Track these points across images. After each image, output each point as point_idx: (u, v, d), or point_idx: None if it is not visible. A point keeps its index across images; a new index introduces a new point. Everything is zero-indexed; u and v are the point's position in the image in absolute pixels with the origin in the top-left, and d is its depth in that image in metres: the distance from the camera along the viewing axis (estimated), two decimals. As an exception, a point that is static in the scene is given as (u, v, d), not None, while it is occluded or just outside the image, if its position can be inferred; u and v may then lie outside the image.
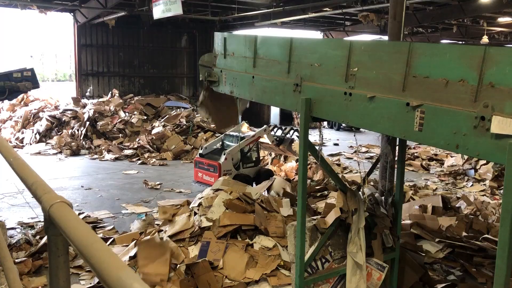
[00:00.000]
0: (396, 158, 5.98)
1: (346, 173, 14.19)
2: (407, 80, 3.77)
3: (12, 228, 9.19)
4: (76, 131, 19.62)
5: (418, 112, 3.63)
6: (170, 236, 7.24)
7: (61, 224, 1.00)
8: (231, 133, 12.99)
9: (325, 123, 22.65)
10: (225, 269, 6.49)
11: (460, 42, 25.19)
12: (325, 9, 19.37)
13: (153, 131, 19.32)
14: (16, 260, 7.25)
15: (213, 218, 7.14)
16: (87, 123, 19.63)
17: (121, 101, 21.67)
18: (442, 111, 3.45)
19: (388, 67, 3.98)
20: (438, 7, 19.04)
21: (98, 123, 19.83)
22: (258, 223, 6.92)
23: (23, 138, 19.88)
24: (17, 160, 1.57)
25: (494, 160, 3.41)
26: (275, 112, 30.19)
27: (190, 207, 7.92)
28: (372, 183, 10.40)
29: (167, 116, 20.91)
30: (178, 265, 6.63)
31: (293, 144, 12.65)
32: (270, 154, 16.67)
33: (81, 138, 19.12)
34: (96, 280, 6.97)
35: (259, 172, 12.61)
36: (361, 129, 21.68)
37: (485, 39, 21.72)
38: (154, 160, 17.04)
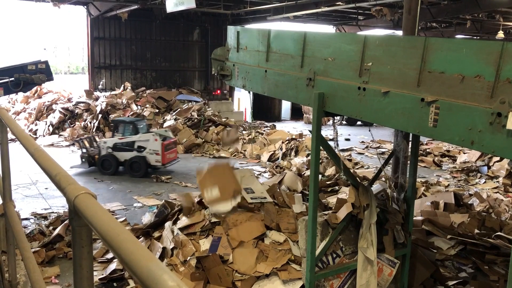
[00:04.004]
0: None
1: (357, 169, 14.13)
2: (422, 75, 3.74)
3: (26, 219, 9.33)
4: (88, 123, 19.79)
5: (433, 107, 3.60)
6: (181, 229, 7.28)
7: (86, 215, 1.01)
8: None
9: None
10: (235, 263, 6.50)
11: (475, 38, 24.84)
12: (338, 3, 19.22)
13: (165, 125, 19.41)
14: (30, 250, 7.35)
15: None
16: (100, 115, 19.80)
17: (133, 94, 21.79)
18: (458, 107, 3.42)
19: (402, 62, 3.96)
20: (453, 1, 18.78)
21: (110, 115, 19.97)
22: (268, 222, 6.90)
23: (36, 130, 20.11)
24: (39, 151, 1.60)
25: (510, 157, 3.38)
26: (286, 106, 30.15)
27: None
28: (383, 179, 10.36)
29: (179, 109, 20.99)
30: (189, 258, 6.67)
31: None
32: (281, 149, 16.68)
33: (94, 130, 19.29)
34: (108, 271, 7.05)
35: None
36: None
37: (500, 34, 21.39)
38: (165, 153, 17.12)
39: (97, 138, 15.29)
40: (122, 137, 13.95)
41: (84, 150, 14.27)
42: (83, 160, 14.01)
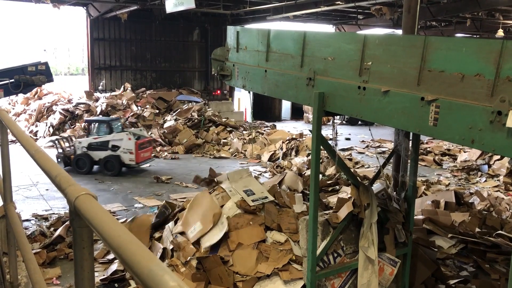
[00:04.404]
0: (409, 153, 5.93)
1: (357, 168, 14.14)
2: (422, 74, 3.74)
3: (27, 220, 9.33)
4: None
5: (433, 106, 3.60)
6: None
7: (87, 216, 1.02)
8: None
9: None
10: (235, 265, 6.48)
11: (475, 36, 24.83)
12: (337, 2, 19.22)
13: (165, 125, 19.42)
14: (31, 251, 7.36)
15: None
16: (100, 116, 19.80)
17: (133, 94, 21.80)
18: (458, 105, 3.42)
19: (402, 61, 3.95)
20: (453, 0, 18.78)
21: (111, 116, 19.99)
22: (269, 223, 6.88)
23: (37, 131, 20.12)
24: (39, 152, 1.60)
25: (511, 155, 3.38)
26: (286, 106, 30.15)
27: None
28: (383, 178, 10.35)
29: (179, 110, 21.00)
30: (189, 258, 6.65)
31: None
32: (281, 149, 16.67)
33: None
34: (110, 272, 7.05)
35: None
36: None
37: (500, 33, 21.38)
38: (166, 153, 17.15)
39: (73, 138, 15.44)
40: (97, 136, 14.17)
41: (60, 150, 14.41)
42: (59, 160, 14.15)
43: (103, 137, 14.02)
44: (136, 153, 13.71)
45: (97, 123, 14.58)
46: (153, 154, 16.94)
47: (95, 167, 14.09)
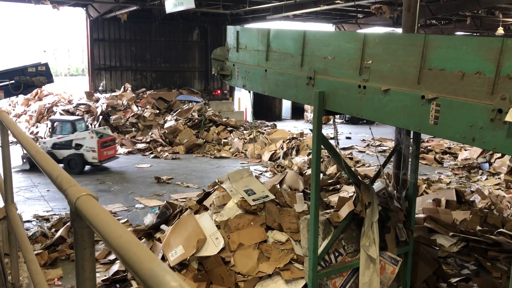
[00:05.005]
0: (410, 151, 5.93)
1: (358, 167, 14.13)
2: (422, 72, 3.74)
3: (28, 221, 9.34)
4: (89, 125, 19.79)
5: (434, 105, 3.60)
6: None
7: (88, 216, 1.02)
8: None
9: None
10: (237, 266, 6.48)
11: (475, 34, 24.81)
12: (337, 1, 19.20)
13: (166, 125, 19.42)
14: (33, 252, 7.36)
15: (222, 220, 6.99)
16: (100, 117, 19.81)
17: (133, 95, 21.80)
18: (458, 104, 3.42)
19: (403, 60, 3.95)
20: (453, -2, 18.77)
21: (111, 117, 20.00)
22: (270, 223, 6.87)
23: (37, 132, 20.12)
24: (40, 153, 1.60)
25: (511, 153, 3.38)
26: (286, 105, 30.15)
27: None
28: (384, 177, 10.34)
29: (179, 110, 21.00)
30: (188, 258, 6.65)
31: None
32: (282, 148, 16.67)
33: (94, 132, 19.28)
34: (111, 272, 7.05)
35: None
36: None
37: (500, 31, 21.36)
38: (166, 153, 17.15)
39: (39, 139, 15.57)
40: (60, 136, 14.37)
41: (25, 151, 14.41)
42: (24, 160, 14.26)
43: (67, 136, 14.22)
44: (98, 151, 13.92)
45: (61, 123, 14.76)
46: (153, 155, 16.97)
47: (60, 166, 14.17)
